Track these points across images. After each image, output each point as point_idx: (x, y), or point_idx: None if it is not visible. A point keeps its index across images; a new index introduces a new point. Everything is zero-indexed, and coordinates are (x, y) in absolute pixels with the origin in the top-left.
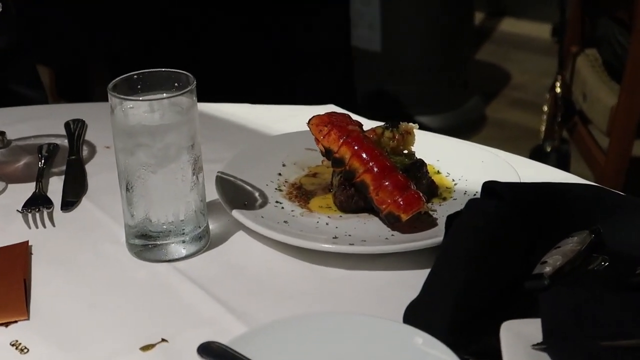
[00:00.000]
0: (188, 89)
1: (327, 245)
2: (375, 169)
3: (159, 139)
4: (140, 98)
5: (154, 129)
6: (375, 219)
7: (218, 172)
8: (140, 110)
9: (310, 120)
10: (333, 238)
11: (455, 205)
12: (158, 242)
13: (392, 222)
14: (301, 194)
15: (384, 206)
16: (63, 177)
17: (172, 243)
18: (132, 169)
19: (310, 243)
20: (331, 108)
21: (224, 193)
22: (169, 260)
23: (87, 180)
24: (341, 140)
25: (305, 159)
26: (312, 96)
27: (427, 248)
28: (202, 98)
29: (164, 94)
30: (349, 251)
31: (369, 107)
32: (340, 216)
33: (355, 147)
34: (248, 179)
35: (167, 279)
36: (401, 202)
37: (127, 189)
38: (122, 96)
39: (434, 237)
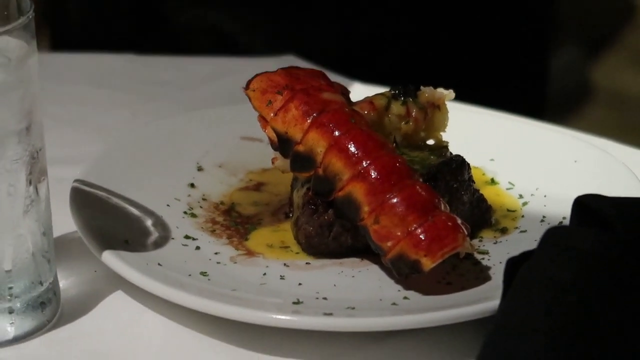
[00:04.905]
0: (19, 22)
1: (282, 317)
2: (374, 174)
3: None
4: None
5: None
6: (374, 268)
7: (75, 180)
8: None
9: (250, 82)
10: (294, 303)
11: (522, 242)
12: None
13: (406, 272)
14: (233, 222)
15: (389, 243)
16: None
17: None
18: None
19: (252, 313)
20: (291, 61)
21: (88, 220)
22: None
23: None
24: (309, 120)
25: (240, 157)
26: None
27: (470, 321)
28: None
29: None
30: (323, 328)
31: (358, 58)
32: (308, 263)
33: (336, 133)
34: (132, 195)
35: None
36: (422, 237)
37: None
38: None
39: (483, 300)
